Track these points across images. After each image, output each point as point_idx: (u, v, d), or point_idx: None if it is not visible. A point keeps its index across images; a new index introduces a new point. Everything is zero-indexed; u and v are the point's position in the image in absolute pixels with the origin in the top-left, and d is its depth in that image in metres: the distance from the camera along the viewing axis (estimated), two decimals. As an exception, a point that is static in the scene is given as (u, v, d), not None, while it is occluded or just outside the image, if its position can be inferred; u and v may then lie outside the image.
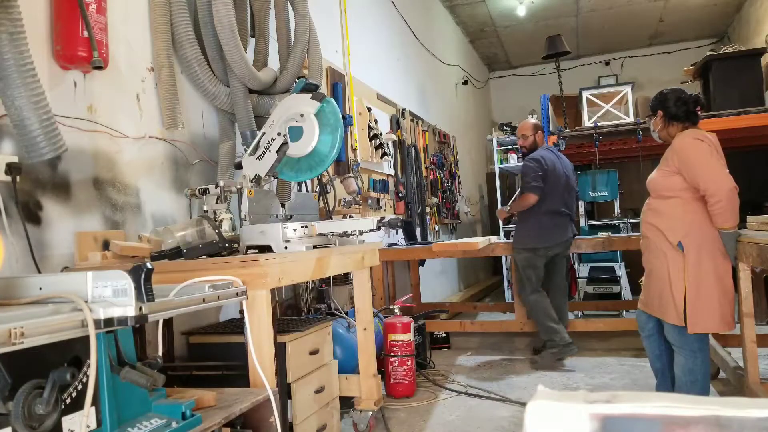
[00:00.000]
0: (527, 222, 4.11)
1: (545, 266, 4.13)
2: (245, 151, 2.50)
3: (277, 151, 2.35)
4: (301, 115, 2.34)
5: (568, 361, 4.01)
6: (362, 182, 4.57)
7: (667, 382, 2.83)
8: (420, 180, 5.77)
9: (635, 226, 6.59)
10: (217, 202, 2.34)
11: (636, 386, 3.42)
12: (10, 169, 1.89)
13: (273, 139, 2.35)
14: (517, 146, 4.67)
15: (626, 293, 6.03)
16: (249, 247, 2.23)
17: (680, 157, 2.60)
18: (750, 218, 2.91)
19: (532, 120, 4.38)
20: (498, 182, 7.02)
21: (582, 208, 6.73)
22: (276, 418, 1.69)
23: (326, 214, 3.38)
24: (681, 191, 2.60)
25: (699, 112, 2.74)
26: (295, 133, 2.34)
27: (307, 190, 3.83)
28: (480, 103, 9.82)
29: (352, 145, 4.52)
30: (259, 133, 2.41)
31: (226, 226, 2.27)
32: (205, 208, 2.33)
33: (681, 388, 2.65)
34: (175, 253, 2.11)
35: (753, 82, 5.61)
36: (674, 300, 2.58)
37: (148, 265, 1.24)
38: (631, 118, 5.84)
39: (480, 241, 4.26)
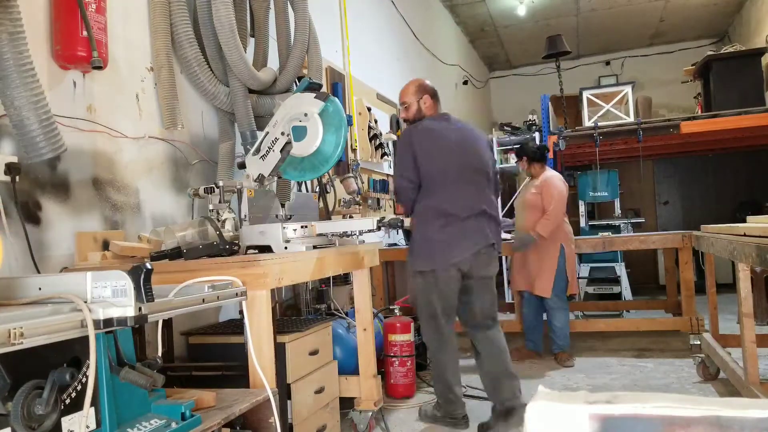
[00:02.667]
0: (415, 231, 2.87)
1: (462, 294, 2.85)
2: (245, 151, 2.49)
3: (281, 151, 2.34)
4: (305, 115, 2.32)
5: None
6: (362, 182, 4.56)
7: None
8: (420, 180, 5.74)
9: (636, 227, 6.59)
10: (219, 203, 2.33)
11: (637, 387, 3.42)
12: (10, 169, 1.89)
13: (276, 139, 2.33)
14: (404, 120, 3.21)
15: (627, 293, 6.02)
16: (249, 248, 2.23)
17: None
18: (750, 218, 2.90)
19: (417, 81, 3.12)
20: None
21: (582, 208, 6.73)
22: (276, 419, 1.69)
23: (326, 215, 3.38)
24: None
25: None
26: (299, 133, 2.32)
27: (307, 191, 3.83)
28: (480, 103, 9.81)
29: (351, 145, 4.52)
30: (262, 133, 2.39)
31: (229, 226, 2.26)
32: (210, 207, 2.31)
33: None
34: (176, 254, 2.10)
35: (753, 82, 5.61)
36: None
37: (148, 266, 1.24)
38: (631, 118, 5.83)
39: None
